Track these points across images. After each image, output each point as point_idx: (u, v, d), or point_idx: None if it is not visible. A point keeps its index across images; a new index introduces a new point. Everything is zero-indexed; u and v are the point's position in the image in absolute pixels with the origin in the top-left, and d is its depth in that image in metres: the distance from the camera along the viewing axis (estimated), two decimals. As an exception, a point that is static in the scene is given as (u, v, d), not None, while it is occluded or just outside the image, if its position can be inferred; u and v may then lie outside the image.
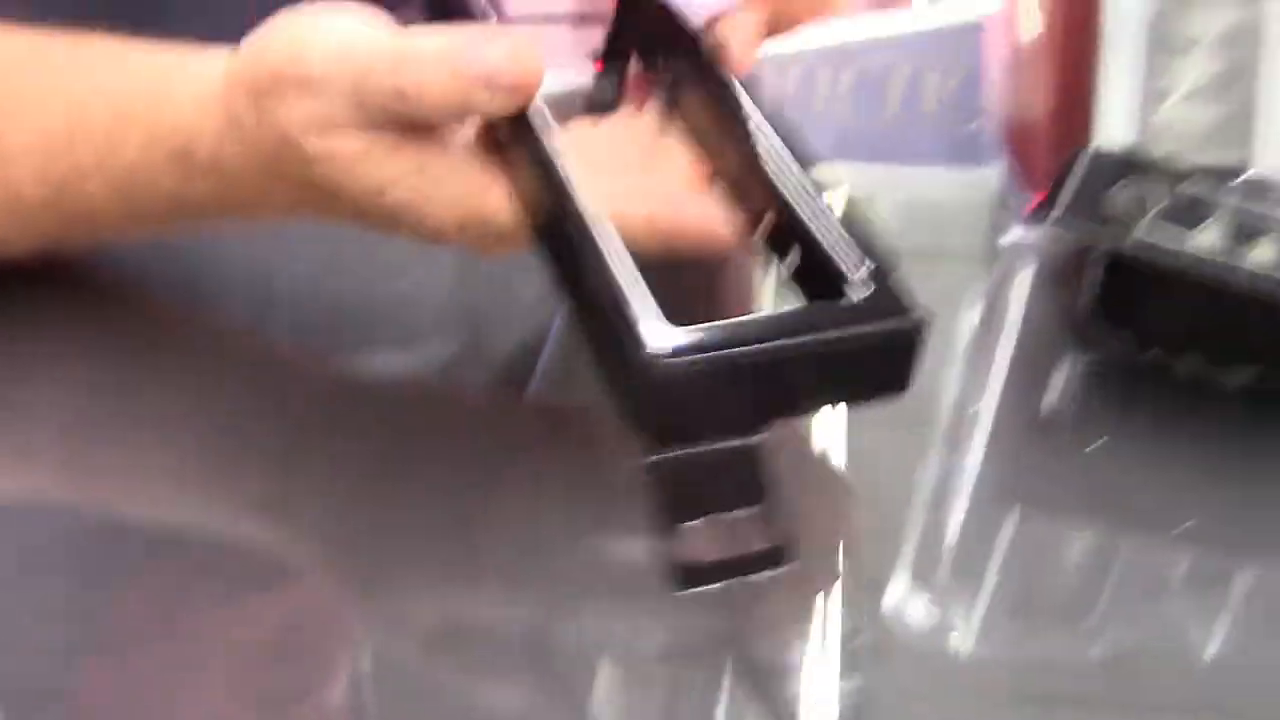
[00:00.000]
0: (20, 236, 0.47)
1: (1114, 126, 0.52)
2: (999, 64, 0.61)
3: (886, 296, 0.33)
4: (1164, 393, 0.44)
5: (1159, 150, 0.49)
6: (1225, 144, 0.52)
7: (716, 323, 0.31)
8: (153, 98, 0.43)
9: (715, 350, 0.30)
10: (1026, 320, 0.51)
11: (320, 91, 0.38)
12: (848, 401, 0.34)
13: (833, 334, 0.32)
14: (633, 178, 0.41)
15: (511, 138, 0.37)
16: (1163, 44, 0.51)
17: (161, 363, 0.47)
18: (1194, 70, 0.52)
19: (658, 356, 0.30)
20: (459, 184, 0.39)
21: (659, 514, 0.31)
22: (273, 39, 0.39)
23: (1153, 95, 0.52)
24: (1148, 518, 0.39)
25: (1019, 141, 0.59)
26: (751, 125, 0.38)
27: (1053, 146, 0.54)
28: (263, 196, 0.42)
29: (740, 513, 0.32)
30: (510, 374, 0.48)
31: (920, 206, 0.63)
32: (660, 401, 0.30)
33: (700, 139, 0.41)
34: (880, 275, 0.33)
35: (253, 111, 0.39)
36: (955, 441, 0.42)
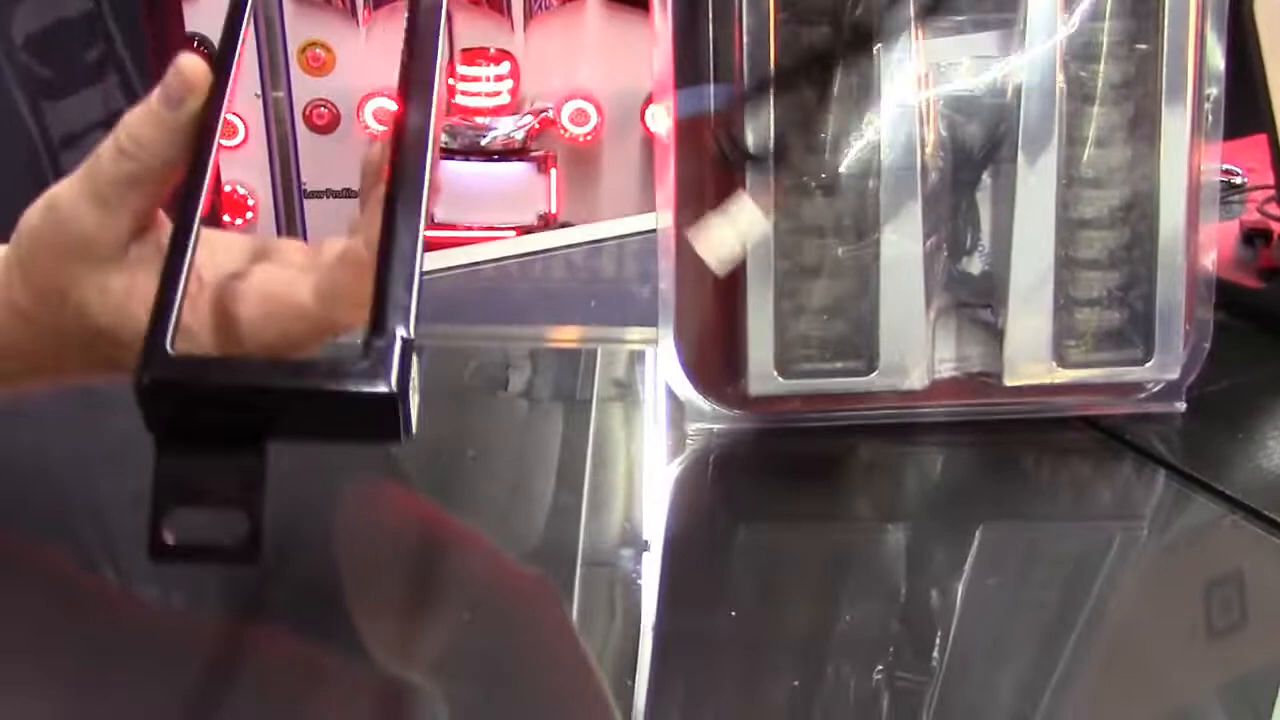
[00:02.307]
0: None
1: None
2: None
3: (376, 361, 0.35)
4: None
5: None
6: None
7: (218, 356, 0.36)
8: None
9: (195, 380, 0.36)
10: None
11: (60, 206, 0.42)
12: (338, 439, 0.37)
13: (305, 385, 0.35)
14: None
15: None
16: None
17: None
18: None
19: (149, 375, 0.35)
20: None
21: (156, 494, 0.36)
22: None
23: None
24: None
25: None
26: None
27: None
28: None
29: (225, 511, 0.36)
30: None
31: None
32: (151, 407, 0.36)
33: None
34: (389, 340, 0.36)
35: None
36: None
